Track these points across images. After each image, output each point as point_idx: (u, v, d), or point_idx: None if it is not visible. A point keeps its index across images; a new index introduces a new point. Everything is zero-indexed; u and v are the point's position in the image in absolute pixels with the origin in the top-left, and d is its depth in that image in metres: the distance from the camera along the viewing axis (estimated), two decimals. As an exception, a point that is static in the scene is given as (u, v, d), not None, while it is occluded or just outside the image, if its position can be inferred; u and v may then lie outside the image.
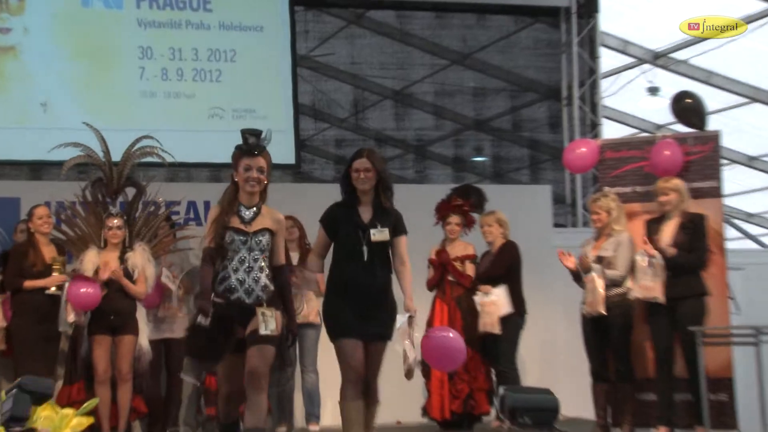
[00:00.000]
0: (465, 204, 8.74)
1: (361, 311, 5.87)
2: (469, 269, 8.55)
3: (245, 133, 5.81)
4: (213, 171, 11.64)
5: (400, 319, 5.94)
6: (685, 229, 7.76)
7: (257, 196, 5.83)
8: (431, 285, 8.62)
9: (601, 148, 8.63)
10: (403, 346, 5.93)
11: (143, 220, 8.46)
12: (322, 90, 12.32)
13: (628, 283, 7.44)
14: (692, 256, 7.64)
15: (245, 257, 5.76)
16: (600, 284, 7.35)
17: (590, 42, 11.97)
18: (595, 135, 11.82)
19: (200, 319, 5.53)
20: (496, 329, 8.21)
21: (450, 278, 8.54)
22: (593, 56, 12.03)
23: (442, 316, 8.45)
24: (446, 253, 8.60)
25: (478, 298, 8.28)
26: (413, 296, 6.00)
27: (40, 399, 6.31)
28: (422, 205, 8.74)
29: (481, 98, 12.82)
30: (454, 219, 8.65)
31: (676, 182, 7.91)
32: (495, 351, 8.27)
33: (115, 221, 7.95)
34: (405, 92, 12.76)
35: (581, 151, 8.59)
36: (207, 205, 9.74)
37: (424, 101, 12.84)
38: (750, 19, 10.63)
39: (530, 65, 12.58)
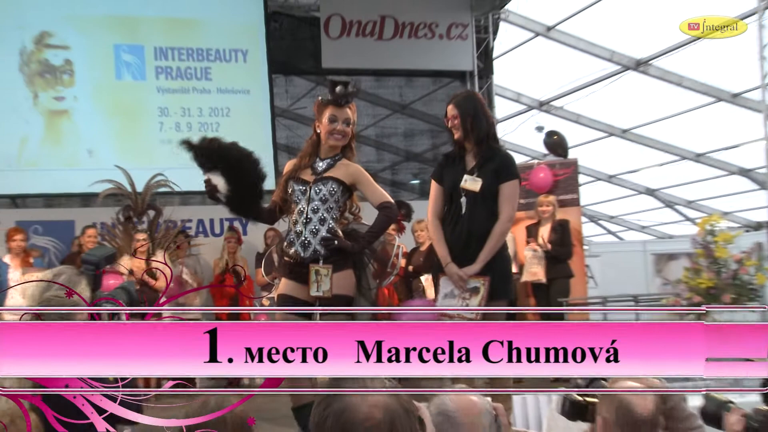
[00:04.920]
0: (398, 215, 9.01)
1: None
2: (402, 262, 8.78)
3: (333, 82, 4.37)
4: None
5: None
6: (556, 230, 8.69)
7: (339, 150, 4.39)
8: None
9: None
10: None
11: (162, 233, 8.69)
12: (296, 134, 12.54)
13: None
14: (562, 249, 8.71)
15: (303, 208, 4.27)
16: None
17: (488, 95, 12.31)
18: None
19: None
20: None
21: (388, 270, 8.75)
22: (490, 106, 12.31)
23: (383, 296, 8.70)
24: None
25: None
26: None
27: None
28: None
29: (410, 138, 13.08)
30: (392, 227, 8.92)
31: (552, 198, 8.86)
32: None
33: (141, 235, 8.20)
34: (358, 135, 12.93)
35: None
36: (212, 222, 9.93)
37: (369, 140, 13.10)
38: (605, 76, 11.01)
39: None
